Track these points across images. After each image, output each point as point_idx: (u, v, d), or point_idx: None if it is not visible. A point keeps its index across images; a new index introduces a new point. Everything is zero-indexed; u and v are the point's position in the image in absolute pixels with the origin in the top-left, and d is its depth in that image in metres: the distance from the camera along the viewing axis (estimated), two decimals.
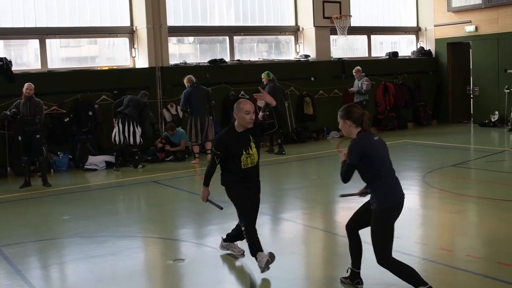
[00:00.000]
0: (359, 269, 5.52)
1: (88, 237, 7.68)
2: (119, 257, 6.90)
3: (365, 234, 5.38)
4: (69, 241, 7.64)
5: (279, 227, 8.27)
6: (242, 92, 15.59)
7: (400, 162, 12.65)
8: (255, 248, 5.98)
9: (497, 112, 17.97)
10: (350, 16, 16.99)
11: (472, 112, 19.37)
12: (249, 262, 6.33)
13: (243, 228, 6.12)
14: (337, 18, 16.71)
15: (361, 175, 5.23)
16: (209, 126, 13.12)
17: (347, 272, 5.60)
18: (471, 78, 19.24)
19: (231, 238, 6.69)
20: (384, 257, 5.08)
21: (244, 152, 6.07)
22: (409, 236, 7.36)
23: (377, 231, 5.08)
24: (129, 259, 6.83)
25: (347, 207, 9.14)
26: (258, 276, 5.94)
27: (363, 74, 16.19)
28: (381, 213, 5.05)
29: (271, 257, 5.87)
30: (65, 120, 13.39)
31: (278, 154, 14.11)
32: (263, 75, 14.17)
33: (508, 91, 17.44)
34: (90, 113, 13.62)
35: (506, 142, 15.25)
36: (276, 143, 14.49)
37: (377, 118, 18.25)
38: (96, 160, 13.18)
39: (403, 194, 5.25)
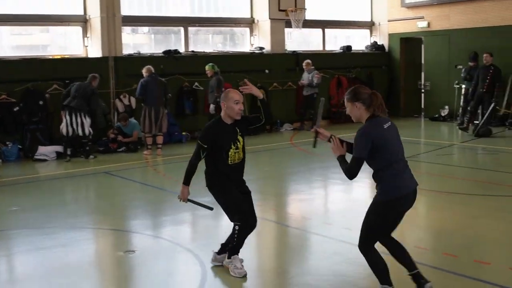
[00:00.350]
0: (416, 269, 5.04)
1: (37, 229, 7.55)
2: (69, 248, 6.79)
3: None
4: (18, 233, 7.50)
5: None
6: (196, 84, 15.52)
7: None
8: (237, 250, 5.75)
9: (447, 107, 18.32)
10: (305, 9, 17.05)
11: (423, 106, 19.70)
12: (201, 253, 6.32)
13: (236, 228, 5.67)
14: (292, 11, 16.75)
15: (370, 166, 4.87)
16: (163, 118, 13.01)
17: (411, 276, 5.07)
18: (423, 73, 19.55)
19: (223, 249, 5.96)
20: (366, 246, 4.88)
21: (232, 146, 5.68)
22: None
23: (372, 221, 4.82)
24: (79, 250, 6.73)
25: (300, 199, 9.23)
26: (209, 268, 5.93)
27: (313, 67, 16.34)
28: (383, 205, 4.77)
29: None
30: (15, 109, 13.07)
31: None
32: (207, 67, 13.97)
33: (458, 86, 17.79)
34: (41, 102, 13.34)
35: (455, 136, 15.55)
36: None
37: (330, 111, 18.45)
38: (46, 151, 12.95)
39: (412, 184, 4.89)
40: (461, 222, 7.50)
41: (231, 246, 5.73)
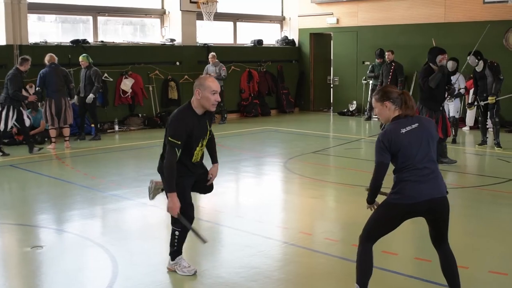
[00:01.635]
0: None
1: None
2: None
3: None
4: None
5: (143, 212, 8.18)
6: (106, 75, 15.21)
7: (262, 148, 12.92)
8: (179, 252, 5.53)
9: (355, 102, 18.81)
10: (216, 2, 17.02)
11: (332, 101, 20.14)
12: (111, 248, 6.23)
13: (176, 233, 5.39)
14: (203, 3, 16.69)
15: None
16: (67, 109, 12.63)
17: None
18: (332, 68, 19.99)
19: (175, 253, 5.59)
20: (363, 237, 4.74)
21: (199, 144, 5.19)
22: (271, 220, 7.56)
23: (372, 217, 4.74)
24: None
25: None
26: (120, 262, 5.85)
27: (217, 60, 16.43)
28: (388, 205, 4.62)
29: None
30: None
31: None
32: (81, 58, 13.64)
33: (366, 82, 18.30)
34: None
35: (362, 130, 16.00)
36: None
37: (241, 104, 18.56)
38: None
39: (430, 192, 4.51)
40: (368, 214, 7.69)
41: (172, 250, 5.50)
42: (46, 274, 5.73)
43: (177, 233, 5.41)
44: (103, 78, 15.10)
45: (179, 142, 4.97)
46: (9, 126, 12.00)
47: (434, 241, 4.75)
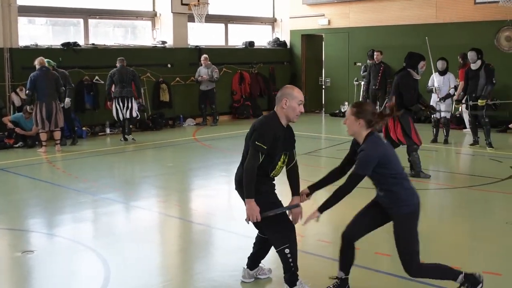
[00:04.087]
0: (348, 274, 5.00)
1: None
2: None
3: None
4: None
5: (135, 215, 8.14)
6: (97, 77, 15.17)
7: None
8: (296, 275, 5.04)
9: (347, 103, 18.80)
10: (208, 4, 17.01)
11: (324, 102, 20.15)
12: (103, 252, 6.18)
13: (287, 251, 4.92)
14: (195, 5, 16.66)
15: (373, 181, 4.79)
16: (58, 113, 12.56)
17: (331, 279, 5.12)
18: (323, 69, 20.00)
19: (254, 262, 5.42)
20: (416, 268, 4.66)
21: (283, 156, 4.96)
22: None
23: (404, 240, 4.63)
24: None
25: (204, 195, 9.21)
26: (112, 266, 5.81)
27: (209, 62, 16.40)
28: (406, 219, 4.64)
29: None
30: None
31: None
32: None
33: (357, 83, 18.32)
34: None
35: None
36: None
37: (232, 106, 18.55)
38: None
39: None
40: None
41: (290, 275, 5.02)
42: (37, 279, 5.69)
43: (287, 250, 4.93)
44: (94, 81, 15.08)
45: (265, 147, 4.74)
46: None
47: (357, 238, 5.00)
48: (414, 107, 9.54)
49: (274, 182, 5.10)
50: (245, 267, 5.42)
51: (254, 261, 5.39)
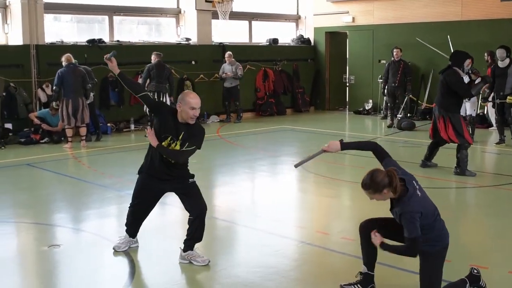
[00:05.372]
0: (373, 271, 5.03)
1: None
2: None
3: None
4: None
5: (160, 211, 8.17)
6: None
7: (278, 147, 12.90)
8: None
9: (370, 101, 18.72)
10: (232, 0, 17.01)
11: (347, 99, 20.06)
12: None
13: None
14: (219, 2, 16.67)
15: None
16: (84, 109, 12.68)
17: (356, 276, 5.12)
18: (347, 67, 19.91)
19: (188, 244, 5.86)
20: None
21: (168, 140, 5.76)
22: (287, 219, 7.54)
23: (430, 277, 4.68)
24: (0, 245, 6.52)
25: (228, 191, 9.23)
26: (138, 261, 5.86)
27: (233, 59, 16.42)
28: (433, 256, 4.66)
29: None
30: None
31: None
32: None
33: (381, 80, 18.19)
34: None
35: (378, 129, 15.91)
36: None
37: (256, 103, 18.55)
38: None
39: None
40: (383, 213, 7.63)
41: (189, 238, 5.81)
42: (63, 273, 5.75)
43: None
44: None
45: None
46: None
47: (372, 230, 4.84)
48: (476, 92, 9.66)
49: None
50: (181, 247, 5.84)
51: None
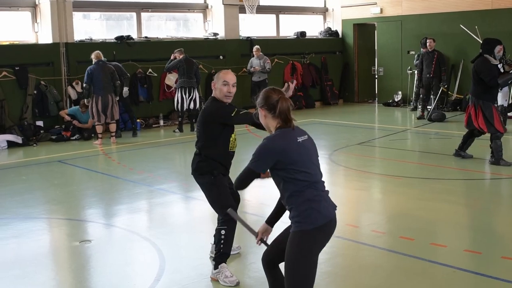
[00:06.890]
0: None
1: None
2: (23, 239, 6.66)
3: None
4: None
5: (190, 206, 8.24)
6: (150, 70, 15.36)
7: None
8: (224, 258, 5.29)
9: (400, 92, 18.56)
10: None
11: (376, 92, 19.92)
12: (158, 242, 6.27)
13: (222, 232, 5.20)
14: None
15: (277, 186, 4.02)
16: (114, 105, 12.80)
17: None
18: (376, 58, 19.76)
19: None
20: None
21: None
22: None
23: (293, 260, 3.82)
24: (33, 241, 6.60)
25: (257, 185, 9.20)
26: (167, 255, 5.89)
27: (261, 53, 16.40)
28: (303, 236, 3.82)
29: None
30: None
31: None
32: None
33: (411, 72, 18.03)
34: None
35: (408, 121, 15.77)
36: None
37: None
38: None
39: (333, 211, 3.99)
40: (415, 205, 7.60)
41: (221, 256, 5.25)
42: (94, 268, 5.81)
43: (223, 231, 5.21)
44: (147, 73, 15.28)
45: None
46: None
47: (276, 261, 4.20)
48: (503, 82, 9.48)
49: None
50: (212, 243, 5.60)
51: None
